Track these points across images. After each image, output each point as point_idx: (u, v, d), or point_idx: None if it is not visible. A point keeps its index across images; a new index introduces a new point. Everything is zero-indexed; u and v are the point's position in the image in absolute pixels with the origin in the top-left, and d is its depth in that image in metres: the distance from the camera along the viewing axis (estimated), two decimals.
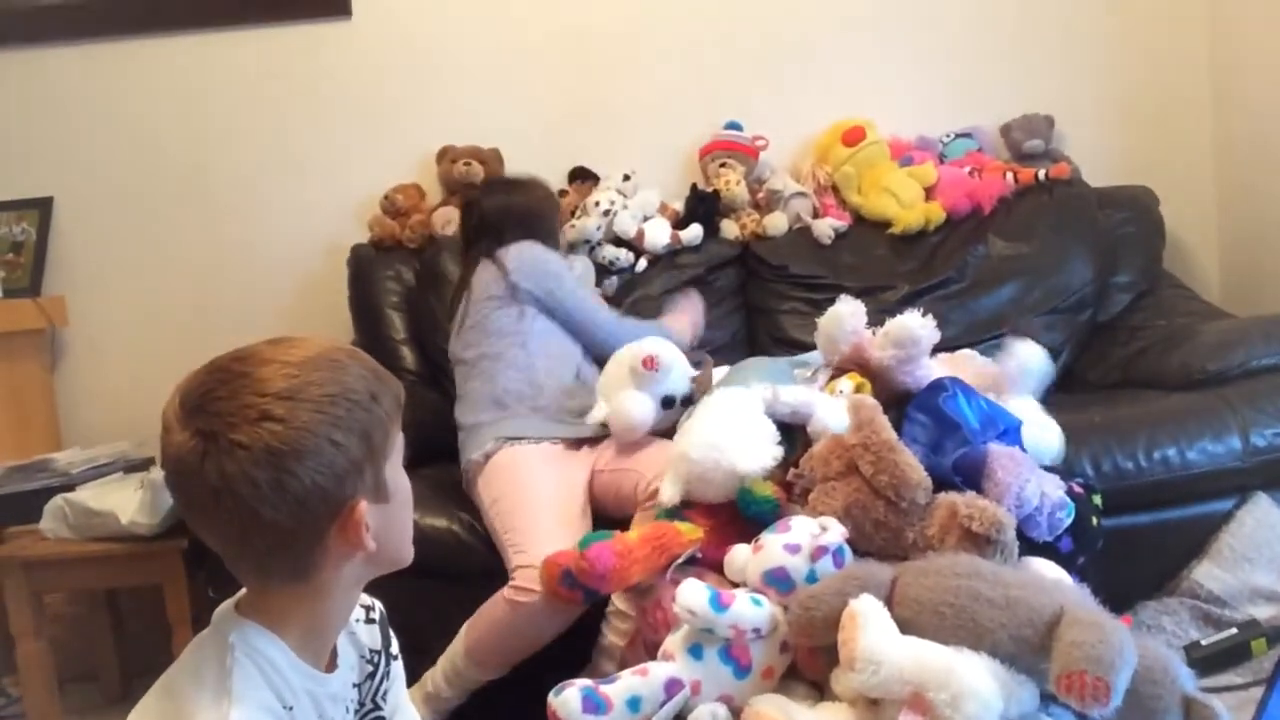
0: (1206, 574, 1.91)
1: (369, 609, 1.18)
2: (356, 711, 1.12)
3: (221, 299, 2.95)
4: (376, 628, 1.18)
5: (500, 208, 2.29)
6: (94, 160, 2.95)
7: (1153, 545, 1.97)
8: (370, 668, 1.15)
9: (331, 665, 1.08)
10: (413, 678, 1.74)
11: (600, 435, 2.05)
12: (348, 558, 0.99)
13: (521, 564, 1.80)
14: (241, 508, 0.92)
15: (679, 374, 1.99)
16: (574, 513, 1.92)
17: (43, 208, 2.95)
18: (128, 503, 2.18)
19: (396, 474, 1.03)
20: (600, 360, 2.17)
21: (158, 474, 2.15)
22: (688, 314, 2.48)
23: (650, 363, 1.93)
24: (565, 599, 1.64)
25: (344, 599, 1.05)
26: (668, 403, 1.98)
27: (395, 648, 1.21)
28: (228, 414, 0.92)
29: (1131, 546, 1.91)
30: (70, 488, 2.36)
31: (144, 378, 2.87)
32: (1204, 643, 1.75)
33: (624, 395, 1.97)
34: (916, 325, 1.76)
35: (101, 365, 2.97)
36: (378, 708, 1.16)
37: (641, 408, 1.95)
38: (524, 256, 2.19)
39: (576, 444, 2.08)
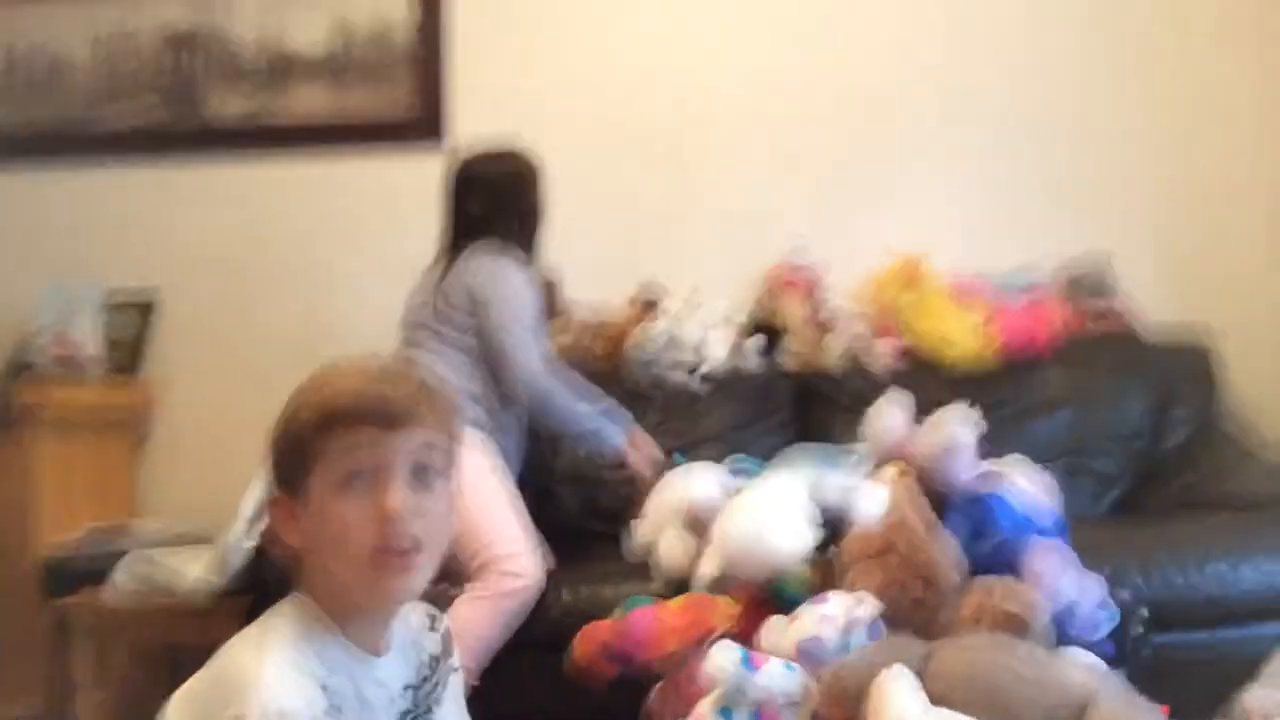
0: (1258, 699, 1.85)
1: (434, 618, 1.24)
2: (409, 713, 1.16)
3: None
4: (439, 637, 1.23)
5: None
6: (198, 259, 3.18)
7: (1205, 666, 1.91)
8: (428, 672, 1.19)
9: (382, 653, 1.13)
10: None
11: None
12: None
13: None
14: None
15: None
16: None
17: (147, 298, 3.17)
18: (197, 560, 2.28)
19: (325, 493, 1.06)
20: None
21: (231, 536, 2.25)
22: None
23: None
24: (603, 670, 1.65)
25: (354, 591, 1.08)
26: None
27: (457, 660, 1.25)
28: None
29: (1183, 666, 1.87)
30: None
31: (222, 468, 2.99)
32: None
33: (671, 536, 1.96)
34: (959, 420, 1.81)
35: (184, 451, 3.11)
36: (430, 711, 1.19)
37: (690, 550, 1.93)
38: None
39: None
